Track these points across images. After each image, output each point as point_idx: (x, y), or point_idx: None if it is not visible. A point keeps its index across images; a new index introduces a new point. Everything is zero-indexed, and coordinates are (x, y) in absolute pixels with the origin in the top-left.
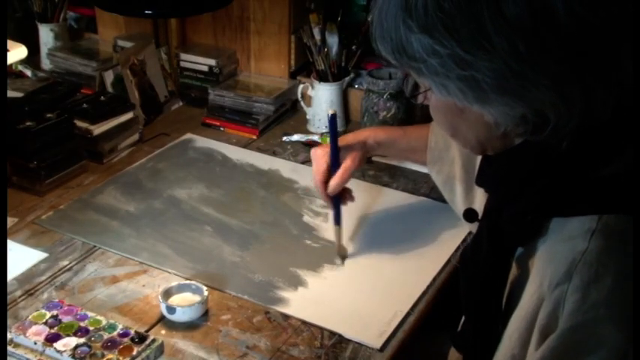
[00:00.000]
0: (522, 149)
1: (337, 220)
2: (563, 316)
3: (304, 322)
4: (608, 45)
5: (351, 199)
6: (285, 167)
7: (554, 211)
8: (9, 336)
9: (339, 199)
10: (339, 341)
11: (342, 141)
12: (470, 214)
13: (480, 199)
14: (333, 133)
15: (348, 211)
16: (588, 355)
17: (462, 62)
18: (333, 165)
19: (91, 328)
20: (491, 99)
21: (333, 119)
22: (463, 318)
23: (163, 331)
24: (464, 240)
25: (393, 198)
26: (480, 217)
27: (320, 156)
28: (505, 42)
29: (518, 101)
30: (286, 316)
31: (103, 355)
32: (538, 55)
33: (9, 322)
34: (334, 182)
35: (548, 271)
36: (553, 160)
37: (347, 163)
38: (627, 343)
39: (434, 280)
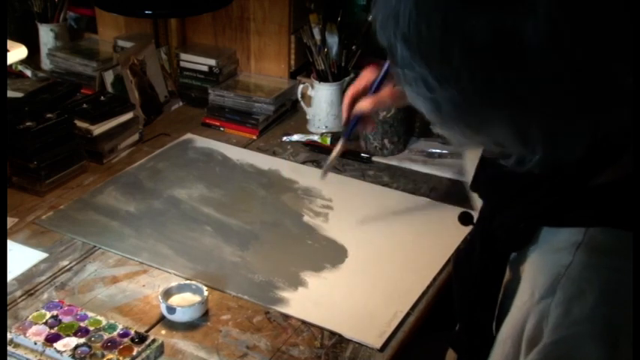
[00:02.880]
0: None
1: (348, 135)
2: (546, 330)
3: (304, 322)
4: (576, 89)
5: (372, 129)
6: (285, 167)
7: (544, 220)
8: (9, 336)
9: (358, 120)
10: (339, 341)
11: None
12: (465, 218)
13: None
14: (387, 69)
15: (349, 210)
16: None
17: (428, 86)
18: (375, 88)
19: (91, 329)
20: (451, 126)
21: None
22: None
23: (163, 331)
24: (464, 240)
25: (393, 198)
26: (474, 222)
27: (367, 73)
28: (467, 77)
29: (477, 134)
30: (286, 316)
31: (103, 356)
32: (497, 94)
33: (9, 322)
34: (363, 103)
35: (537, 281)
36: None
37: (385, 93)
38: (611, 358)
39: (434, 280)
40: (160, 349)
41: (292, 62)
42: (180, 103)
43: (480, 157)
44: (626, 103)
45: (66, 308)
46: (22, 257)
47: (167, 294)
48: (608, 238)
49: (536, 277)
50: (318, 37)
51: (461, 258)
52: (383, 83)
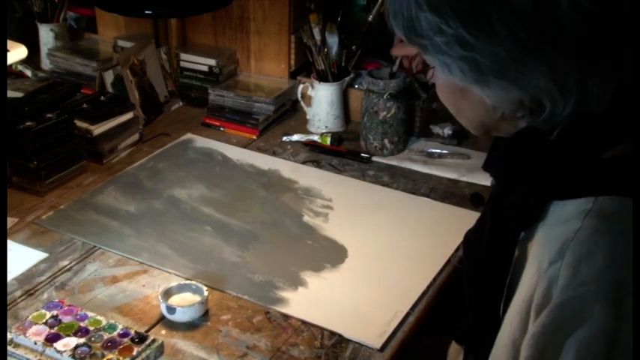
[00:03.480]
0: (526, 134)
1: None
2: (555, 293)
3: (304, 322)
4: (608, 38)
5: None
6: (285, 167)
7: (554, 193)
8: (9, 336)
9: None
10: (339, 341)
11: None
12: (477, 199)
13: None
14: None
15: (349, 210)
16: (577, 330)
17: (464, 43)
18: None
19: (91, 329)
20: (490, 81)
21: None
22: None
23: (163, 331)
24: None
25: (393, 198)
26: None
27: None
28: (506, 29)
29: (516, 86)
30: (286, 316)
31: (103, 356)
32: (538, 44)
33: (9, 322)
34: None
35: (545, 253)
36: (555, 145)
37: None
38: (617, 319)
39: (434, 280)
40: (160, 349)
41: (292, 62)
42: (180, 103)
43: (492, 139)
44: None
45: (66, 308)
46: (22, 257)
47: (167, 294)
48: (617, 205)
49: (544, 250)
50: (318, 37)
51: (471, 239)
52: None
